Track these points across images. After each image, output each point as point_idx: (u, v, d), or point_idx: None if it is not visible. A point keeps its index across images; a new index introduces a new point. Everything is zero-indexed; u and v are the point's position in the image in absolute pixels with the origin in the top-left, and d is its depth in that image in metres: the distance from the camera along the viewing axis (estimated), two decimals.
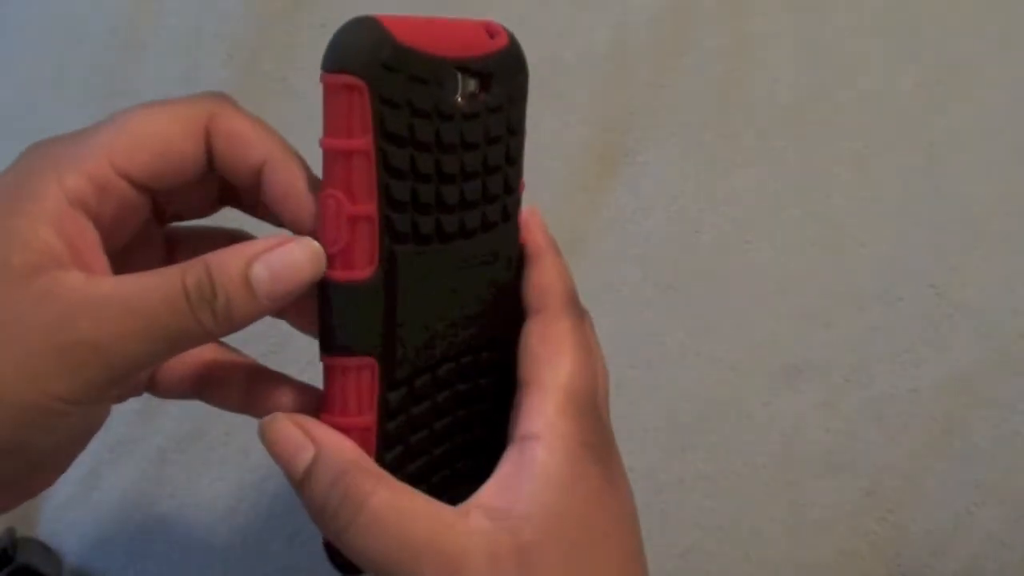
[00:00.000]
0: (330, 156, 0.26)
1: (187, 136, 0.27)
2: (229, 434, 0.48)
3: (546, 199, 0.48)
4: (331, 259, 0.27)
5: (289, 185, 0.27)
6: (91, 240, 0.26)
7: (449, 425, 0.31)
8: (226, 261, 0.25)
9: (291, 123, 0.49)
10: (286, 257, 0.26)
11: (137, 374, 0.26)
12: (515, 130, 0.31)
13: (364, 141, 0.26)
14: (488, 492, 0.28)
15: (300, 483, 0.26)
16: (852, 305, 0.48)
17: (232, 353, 0.32)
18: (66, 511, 0.48)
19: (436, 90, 0.27)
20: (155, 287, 0.25)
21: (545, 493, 0.27)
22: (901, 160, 0.48)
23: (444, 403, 0.30)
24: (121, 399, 0.31)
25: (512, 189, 0.31)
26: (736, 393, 0.48)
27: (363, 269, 0.27)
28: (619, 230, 0.49)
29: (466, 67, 0.28)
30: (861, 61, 0.49)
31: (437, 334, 0.29)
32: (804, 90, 0.49)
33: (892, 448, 0.47)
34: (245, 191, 0.30)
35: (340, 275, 0.27)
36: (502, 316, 0.31)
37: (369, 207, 0.26)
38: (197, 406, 0.48)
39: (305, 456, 0.26)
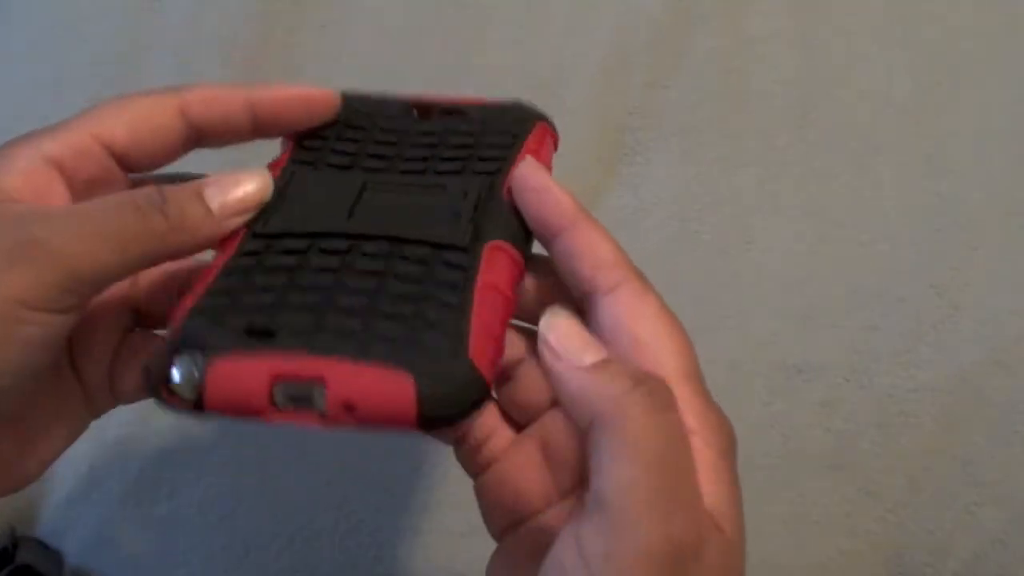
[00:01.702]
0: None
1: (163, 110, 0.29)
2: (228, 435, 0.48)
3: None
4: None
5: (282, 100, 0.30)
6: (58, 193, 0.28)
7: (331, 268, 0.27)
8: (178, 185, 0.28)
9: None
10: (234, 177, 0.28)
11: (98, 285, 0.27)
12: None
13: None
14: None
15: (575, 369, 0.26)
16: (852, 305, 0.48)
17: None
18: (66, 511, 0.48)
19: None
20: (105, 200, 0.26)
21: (707, 485, 0.26)
22: (901, 160, 0.48)
23: (323, 262, 0.27)
24: (96, 414, 0.31)
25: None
26: (736, 393, 0.48)
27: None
28: (619, 230, 0.48)
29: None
30: (861, 61, 0.49)
31: (330, 214, 0.29)
32: (804, 90, 0.49)
33: (892, 448, 0.47)
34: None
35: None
36: (439, 223, 0.28)
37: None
38: None
39: (595, 355, 0.26)
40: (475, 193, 0.29)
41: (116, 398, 0.31)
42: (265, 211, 0.29)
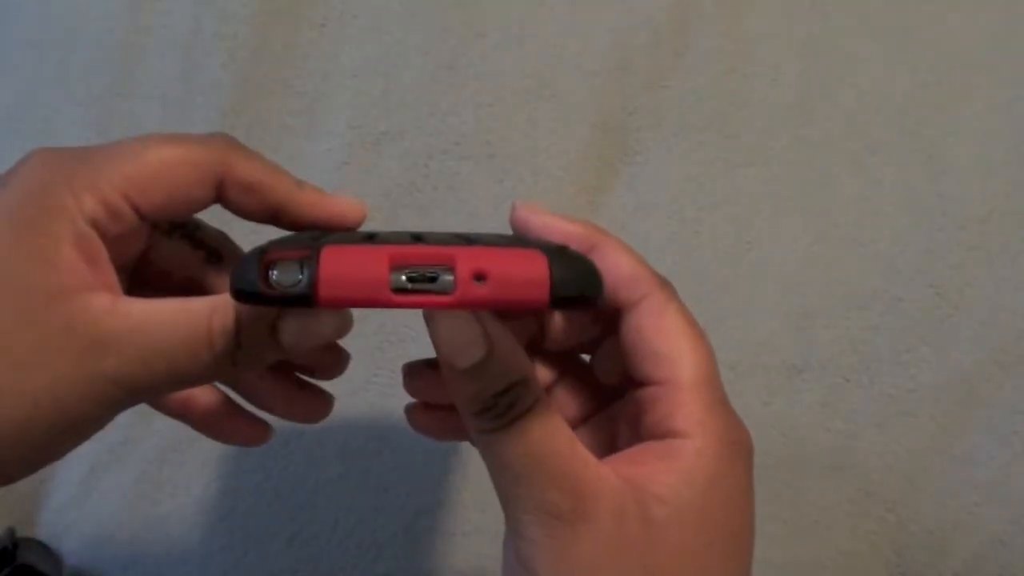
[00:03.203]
0: None
1: (200, 182, 0.28)
2: None
3: (546, 199, 0.48)
4: None
5: (314, 206, 0.29)
6: (105, 259, 0.27)
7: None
8: (255, 316, 0.26)
9: (291, 123, 0.49)
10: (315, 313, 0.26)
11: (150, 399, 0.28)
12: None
13: None
14: (622, 462, 0.27)
15: (463, 374, 0.26)
16: (852, 305, 0.48)
17: None
18: (66, 511, 0.48)
19: None
20: (180, 326, 0.26)
21: (687, 487, 0.26)
22: (901, 160, 0.48)
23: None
24: None
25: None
26: (736, 393, 0.47)
27: None
28: (619, 230, 0.48)
29: None
30: (861, 61, 0.49)
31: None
32: (804, 90, 0.49)
33: (892, 448, 0.47)
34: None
35: None
36: None
37: None
38: None
39: (477, 352, 0.25)
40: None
41: None
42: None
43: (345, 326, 0.27)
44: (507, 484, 0.26)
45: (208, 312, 0.26)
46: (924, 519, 0.47)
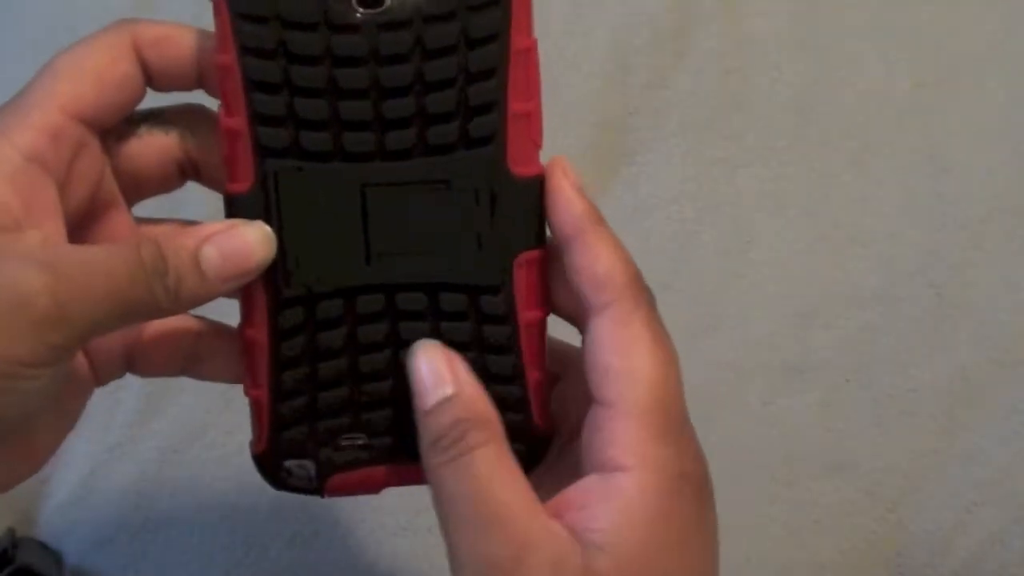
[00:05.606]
0: (214, 72, 0.27)
1: (120, 58, 0.27)
2: (229, 433, 0.48)
3: None
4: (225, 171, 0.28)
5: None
6: (48, 198, 0.26)
7: (381, 369, 0.29)
8: (178, 239, 0.26)
9: None
10: (236, 239, 0.26)
11: (94, 339, 0.26)
12: (481, 41, 0.27)
13: (227, 57, 0.26)
14: (564, 503, 0.26)
15: (427, 412, 0.26)
16: (852, 305, 0.48)
17: (216, 324, 0.31)
18: (66, 511, 0.48)
19: (324, 1, 0.26)
20: (114, 254, 0.25)
21: (627, 531, 0.25)
22: (901, 160, 0.49)
23: (370, 338, 0.28)
24: (101, 381, 0.30)
25: (483, 109, 0.27)
26: (736, 393, 0.48)
27: (241, 182, 0.27)
28: (619, 230, 0.48)
29: None
30: (861, 61, 0.49)
31: (347, 257, 0.27)
32: (804, 90, 0.49)
33: (892, 448, 0.47)
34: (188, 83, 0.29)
35: (228, 187, 0.27)
36: (464, 256, 0.28)
37: (238, 121, 0.26)
38: (196, 406, 0.48)
39: (444, 391, 0.26)
40: (486, 187, 0.27)
41: (137, 373, 0.31)
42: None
43: (271, 251, 0.27)
44: (450, 528, 0.25)
45: (136, 244, 0.25)
46: (924, 519, 0.47)
